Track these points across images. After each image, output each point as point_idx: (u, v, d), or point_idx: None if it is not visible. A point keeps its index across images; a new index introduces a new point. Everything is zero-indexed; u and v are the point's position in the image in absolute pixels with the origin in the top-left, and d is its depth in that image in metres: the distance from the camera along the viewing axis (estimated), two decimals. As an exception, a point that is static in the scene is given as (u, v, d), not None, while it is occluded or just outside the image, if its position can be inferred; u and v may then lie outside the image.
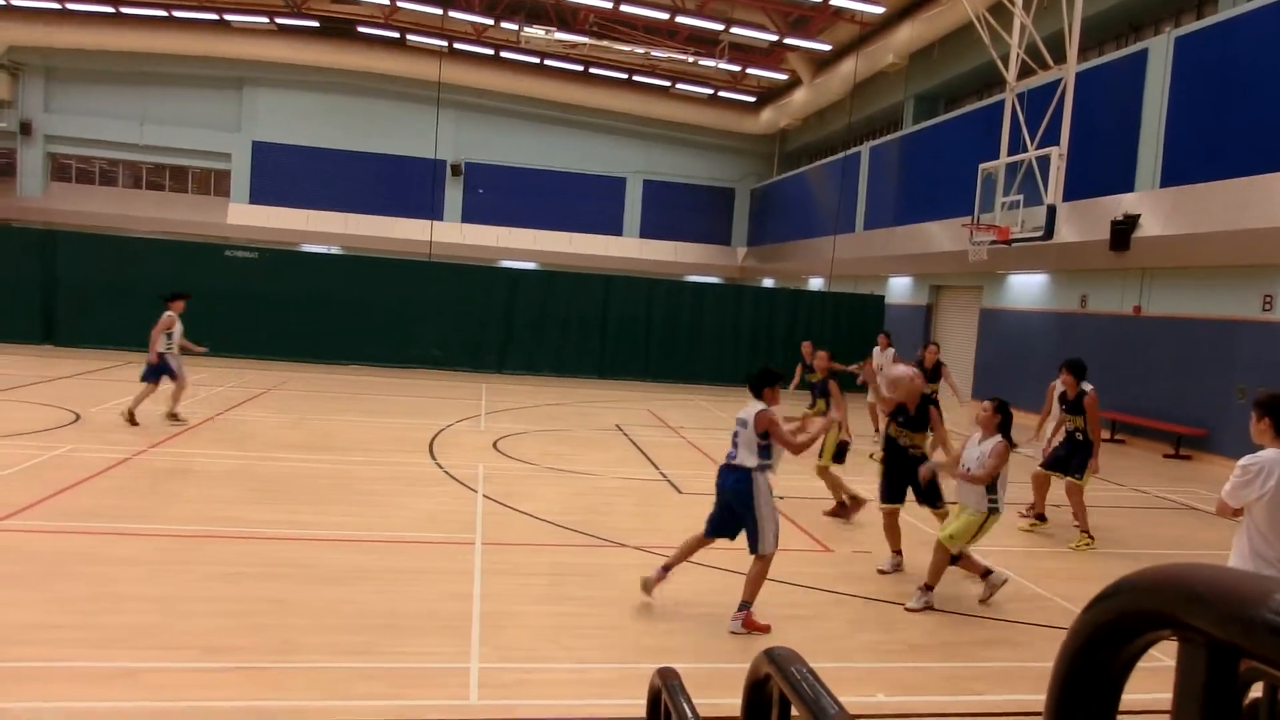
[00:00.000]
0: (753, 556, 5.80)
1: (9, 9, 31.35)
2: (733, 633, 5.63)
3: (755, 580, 5.77)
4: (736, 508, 5.82)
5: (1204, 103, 14.38)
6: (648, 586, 5.98)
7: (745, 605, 5.74)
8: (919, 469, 6.93)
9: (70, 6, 31.25)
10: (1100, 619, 0.70)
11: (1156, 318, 15.51)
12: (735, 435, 5.92)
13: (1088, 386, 8.72)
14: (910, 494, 7.30)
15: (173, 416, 11.40)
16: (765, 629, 5.73)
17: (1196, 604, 0.60)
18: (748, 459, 5.79)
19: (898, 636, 5.81)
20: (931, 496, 7.22)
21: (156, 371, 11.29)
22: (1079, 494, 8.43)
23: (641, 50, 30.09)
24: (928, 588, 6.34)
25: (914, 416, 7.32)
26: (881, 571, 7.20)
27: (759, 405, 5.87)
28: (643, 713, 2.62)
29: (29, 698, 4.18)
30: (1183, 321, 14.89)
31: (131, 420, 10.93)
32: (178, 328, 11.51)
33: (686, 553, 6.06)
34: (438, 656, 4.98)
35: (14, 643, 4.76)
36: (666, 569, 6.02)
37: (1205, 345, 14.30)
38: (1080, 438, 8.54)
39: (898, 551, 7.29)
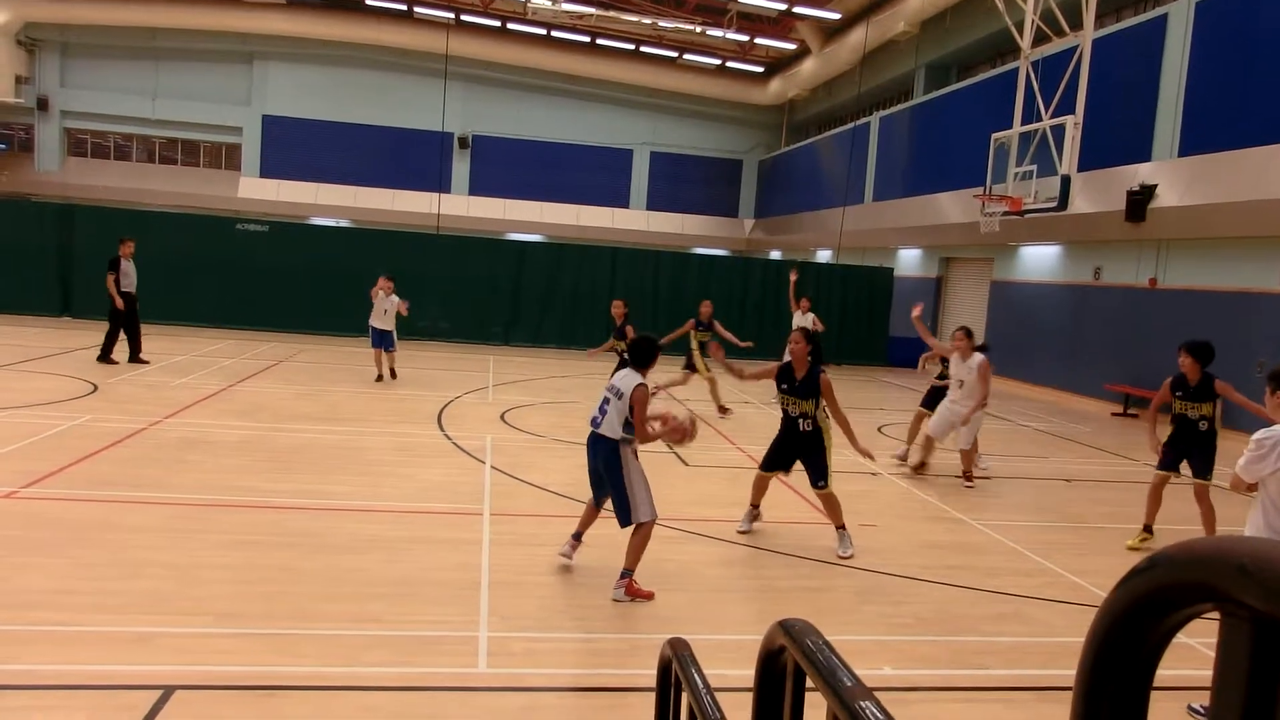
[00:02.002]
0: (629, 529, 5.69)
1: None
2: (615, 600, 5.53)
3: (637, 548, 5.64)
4: (606, 477, 5.73)
5: (1225, 70, 14.12)
6: (566, 555, 6.07)
7: (627, 573, 5.61)
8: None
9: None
10: (1137, 592, 0.67)
11: (1173, 290, 15.35)
12: (606, 401, 5.76)
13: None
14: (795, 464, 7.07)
15: (391, 374, 13.78)
16: (649, 596, 5.59)
17: (1241, 577, 0.58)
18: (613, 430, 5.66)
19: (905, 609, 5.81)
20: (816, 472, 6.85)
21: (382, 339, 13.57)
22: (1206, 494, 7.38)
23: (648, 20, 29.73)
24: None
25: (800, 383, 6.82)
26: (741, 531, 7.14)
27: (637, 379, 5.71)
28: (653, 683, 2.62)
29: (50, 660, 4.24)
30: (1200, 294, 14.72)
31: (388, 376, 13.68)
32: (385, 303, 13.37)
33: (588, 522, 6.08)
34: (446, 625, 5.01)
35: (35, 606, 4.82)
36: (578, 536, 6.07)
37: (1223, 318, 14.14)
38: (1205, 427, 7.48)
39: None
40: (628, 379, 5.72)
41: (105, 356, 13.46)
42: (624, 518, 5.67)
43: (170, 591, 5.16)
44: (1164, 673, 0.72)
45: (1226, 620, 0.61)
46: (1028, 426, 13.97)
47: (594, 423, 5.78)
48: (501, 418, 11.56)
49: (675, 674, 2.28)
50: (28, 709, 3.86)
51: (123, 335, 13.62)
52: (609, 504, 5.85)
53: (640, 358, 5.80)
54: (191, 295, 19.38)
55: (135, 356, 13.70)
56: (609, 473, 5.69)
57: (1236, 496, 6.09)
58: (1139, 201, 14.74)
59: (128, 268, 13.76)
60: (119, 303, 13.50)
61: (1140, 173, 15.23)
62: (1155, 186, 14.71)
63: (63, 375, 12.14)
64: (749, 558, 6.68)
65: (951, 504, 8.63)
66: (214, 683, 4.17)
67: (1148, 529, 7.81)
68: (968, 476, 9.42)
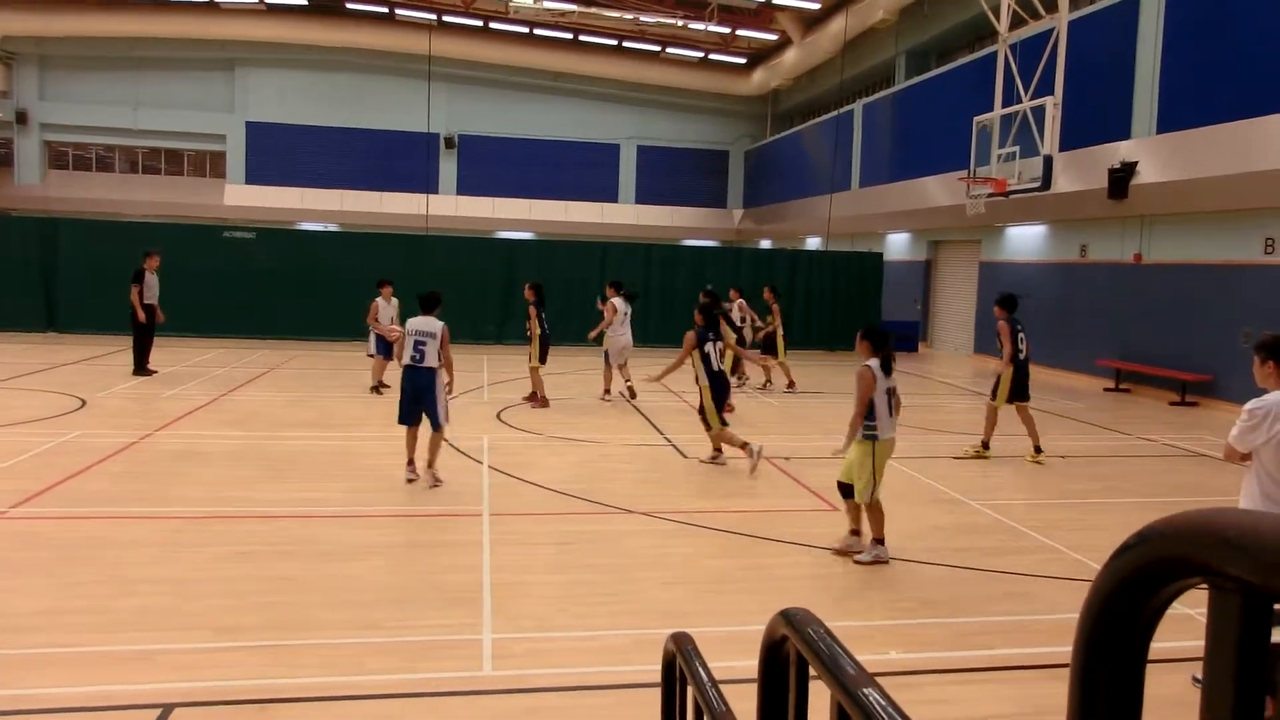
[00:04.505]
0: (434, 432, 7.85)
1: (3, -1, 31.16)
2: (432, 485, 7.78)
3: (437, 447, 7.92)
4: (424, 398, 7.78)
5: (1200, 46, 14.17)
6: (422, 477, 7.90)
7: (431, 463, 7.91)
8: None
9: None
10: (1127, 568, 0.68)
11: (1158, 265, 15.43)
12: (422, 344, 7.72)
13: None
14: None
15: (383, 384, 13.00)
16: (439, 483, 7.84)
17: (1229, 550, 0.58)
18: (434, 361, 7.76)
19: (908, 594, 5.84)
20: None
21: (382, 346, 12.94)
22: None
23: (630, 15, 29.66)
24: (876, 541, 6.32)
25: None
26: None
27: (439, 322, 7.82)
28: (657, 678, 2.62)
29: (45, 684, 4.21)
30: (1184, 267, 14.81)
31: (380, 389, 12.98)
32: (389, 309, 12.96)
33: (412, 447, 7.94)
34: (449, 629, 5.01)
35: (28, 629, 4.78)
36: (413, 464, 7.93)
37: (1208, 290, 14.24)
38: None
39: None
40: (433, 323, 7.78)
41: (140, 369, 13.70)
42: (437, 425, 7.83)
43: (166, 607, 5.14)
44: (1167, 645, 0.72)
45: (1215, 593, 0.61)
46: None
47: (415, 360, 7.71)
48: (498, 416, 11.55)
49: (679, 668, 2.28)
50: (31, 729, 3.84)
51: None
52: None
53: (433, 304, 7.95)
54: (180, 305, 19.21)
55: (142, 368, 13.82)
56: (427, 394, 7.76)
57: (1230, 465, 6.12)
58: (1121, 179, 14.79)
59: (151, 281, 13.88)
60: (140, 315, 13.58)
61: (1121, 150, 15.27)
62: (1136, 164, 14.76)
63: (50, 391, 12.07)
64: (749, 548, 6.69)
65: (950, 486, 8.66)
66: (214, 698, 4.15)
67: (985, 444, 10.05)
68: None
